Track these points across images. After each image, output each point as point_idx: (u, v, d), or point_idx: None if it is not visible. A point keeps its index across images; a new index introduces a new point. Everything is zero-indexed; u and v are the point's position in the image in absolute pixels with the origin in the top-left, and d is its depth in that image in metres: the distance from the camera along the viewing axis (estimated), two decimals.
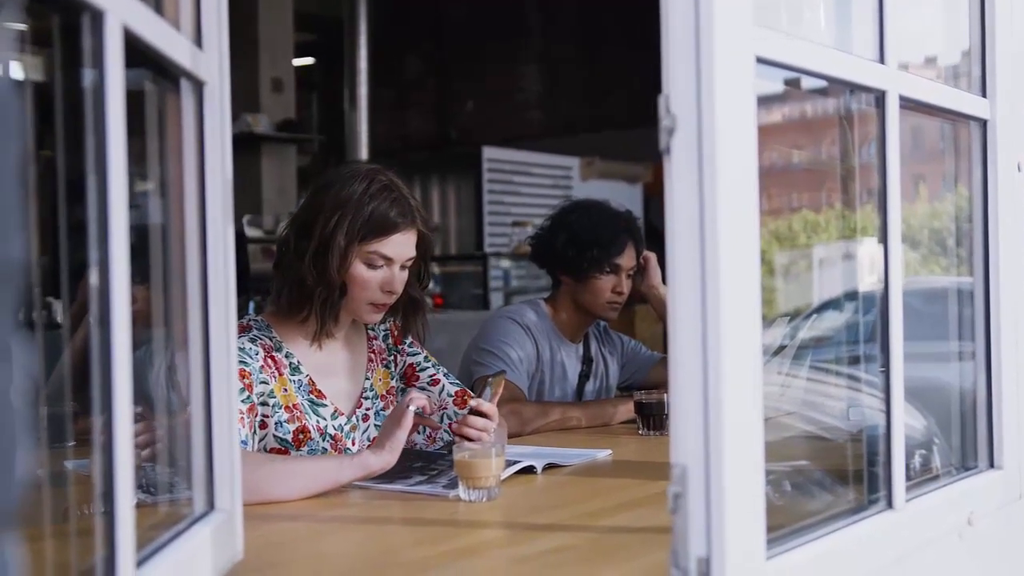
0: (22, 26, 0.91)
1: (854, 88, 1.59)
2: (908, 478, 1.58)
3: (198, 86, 1.36)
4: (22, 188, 0.56)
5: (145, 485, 1.42)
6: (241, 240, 6.55)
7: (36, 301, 1.14)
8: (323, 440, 2.23)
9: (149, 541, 1.20)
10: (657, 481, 2.04)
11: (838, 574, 1.42)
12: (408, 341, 2.47)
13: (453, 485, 1.93)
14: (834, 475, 1.75)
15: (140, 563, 1.11)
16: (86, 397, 1.07)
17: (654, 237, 3.39)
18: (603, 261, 3.02)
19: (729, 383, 1.18)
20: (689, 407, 1.19)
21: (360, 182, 2.21)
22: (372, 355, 2.41)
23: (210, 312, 1.38)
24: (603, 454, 2.39)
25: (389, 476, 2.04)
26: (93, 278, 1.03)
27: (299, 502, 1.92)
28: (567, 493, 2.06)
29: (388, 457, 1.98)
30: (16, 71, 0.59)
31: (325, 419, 2.24)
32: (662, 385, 3.00)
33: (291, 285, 2.22)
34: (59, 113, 1.07)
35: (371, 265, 2.21)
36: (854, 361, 2.00)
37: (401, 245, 2.23)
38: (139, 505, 1.10)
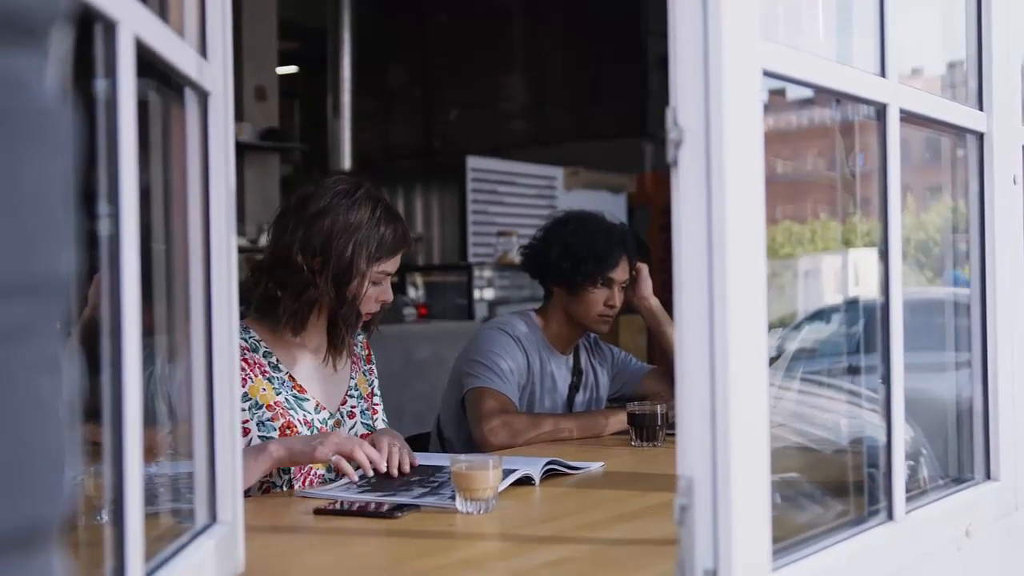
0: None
1: (856, 101, 1.59)
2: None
3: (203, 96, 1.35)
4: (71, 202, 0.56)
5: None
6: None
7: None
8: (311, 432, 2.29)
9: (152, 553, 1.19)
10: (653, 493, 2.05)
11: None
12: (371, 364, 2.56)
13: (446, 497, 1.93)
14: (832, 487, 1.75)
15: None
16: (83, 406, 1.06)
17: (638, 248, 3.38)
18: (597, 275, 3.01)
19: (736, 394, 1.18)
20: (696, 419, 1.19)
21: (364, 207, 2.30)
22: (355, 359, 2.50)
23: (213, 322, 1.38)
24: (596, 466, 2.39)
25: (391, 489, 2.04)
26: (101, 286, 1.02)
27: (299, 515, 1.91)
28: (563, 505, 2.06)
29: (282, 453, 2.08)
30: (67, 85, 0.58)
31: (310, 412, 2.31)
32: (653, 396, 3.01)
33: (304, 306, 2.28)
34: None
35: (376, 283, 2.33)
36: (845, 373, 2.00)
37: (399, 261, 2.38)
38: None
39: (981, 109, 1.85)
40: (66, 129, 0.55)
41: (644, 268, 3.15)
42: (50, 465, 0.52)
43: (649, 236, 7.31)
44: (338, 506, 1.93)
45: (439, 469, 2.19)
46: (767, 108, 1.56)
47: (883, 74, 1.55)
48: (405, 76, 10.29)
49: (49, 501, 0.52)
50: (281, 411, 2.26)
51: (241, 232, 7.15)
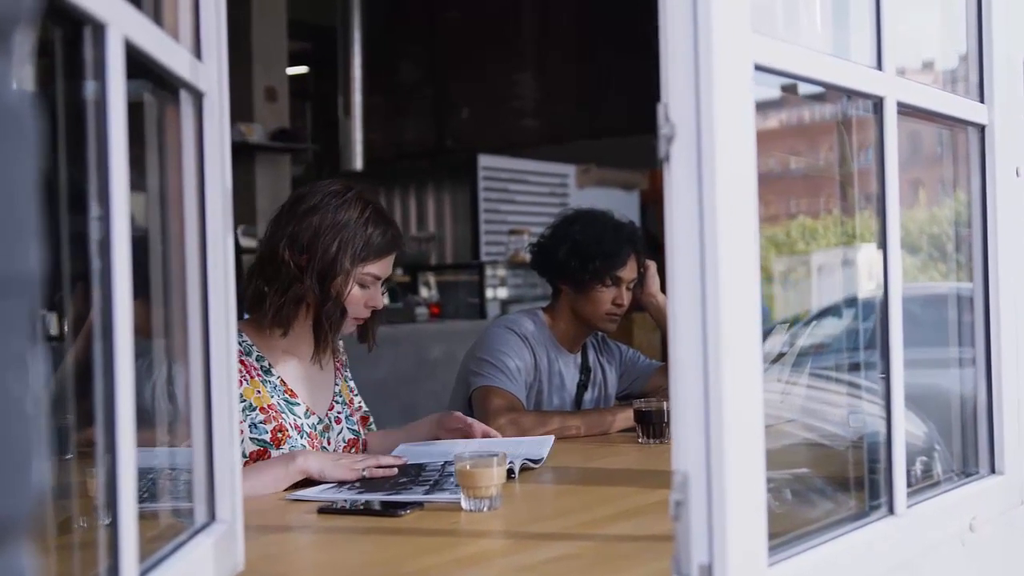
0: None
1: (852, 94, 1.59)
2: (909, 484, 1.58)
3: (197, 97, 1.35)
4: (38, 200, 0.56)
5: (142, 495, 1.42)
6: (236, 250, 6.52)
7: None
8: (301, 437, 2.32)
9: (150, 552, 1.20)
10: (657, 489, 2.04)
11: None
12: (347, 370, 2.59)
13: (458, 491, 1.93)
14: (835, 482, 1.75)
15: (143, 574, 1.10)
16: (87, 409, 1.07)
17: (651, 245, 3.40)
18: (605, 273, 3.00)
19: (730, 390, 1.18)
20: (690, 414, 1.19)
21: (353, 207, 2.33)
22: (339, 365, 2.53)
23: (210, 323, 1.38)
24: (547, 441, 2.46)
25: (382, 490, 2.03)
26: (95, 289, 1.03)
27: (299, 514, 1.92)
28: (568, 502, 2.06)
29: (313, 467, 2.12)
30: (32, 83, 0.59)
31: (300, 417, 2.34)
32: (662, 393, 3.00)
33: (289, 302, 2.30)
34: (60, 124, 1.07)
35: (363, 285, 2.35)
36: (853, 368, 2.00)
37: (389, 266, 2.40)
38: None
39: (983, 101, 1.84)
40: (32, 129, 0.55)
41: (652, 265, 3.15)
42: (16, 462, 0.53)
43: (662, 234, 7.29)
44: (342, 504, 1.93)
45: (422, 468, 2.21)
46: (779, 104, 1.56)
47: (880, 67, 1.54)
48: (416, 75, 10.29)
49: (15, 498, 0.53)
50: (274, 414, 2.29)
51: (252, 234, 7.15)
